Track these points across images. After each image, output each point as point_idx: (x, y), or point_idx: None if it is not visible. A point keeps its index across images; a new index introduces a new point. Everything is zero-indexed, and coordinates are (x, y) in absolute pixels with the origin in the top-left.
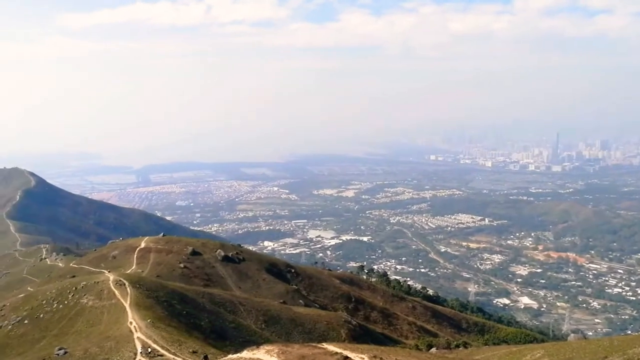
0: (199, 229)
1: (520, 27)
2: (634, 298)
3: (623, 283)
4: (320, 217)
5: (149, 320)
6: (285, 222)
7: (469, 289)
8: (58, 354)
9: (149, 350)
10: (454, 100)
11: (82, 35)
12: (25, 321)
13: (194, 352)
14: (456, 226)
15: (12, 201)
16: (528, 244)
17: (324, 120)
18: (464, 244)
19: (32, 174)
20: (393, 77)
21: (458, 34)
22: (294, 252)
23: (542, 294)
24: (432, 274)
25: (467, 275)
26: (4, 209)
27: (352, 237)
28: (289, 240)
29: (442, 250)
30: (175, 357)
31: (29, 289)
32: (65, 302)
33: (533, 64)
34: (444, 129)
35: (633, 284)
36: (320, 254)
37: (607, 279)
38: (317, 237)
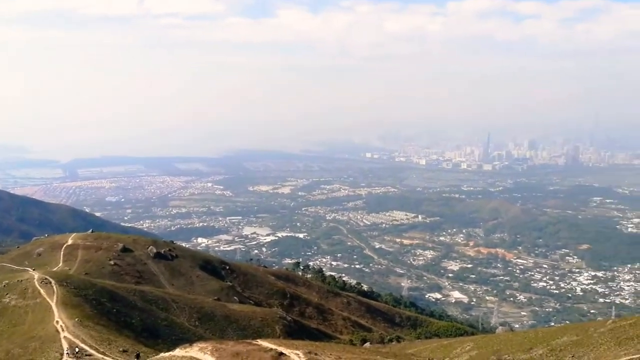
0: (130, 225)
1: (453, 29)
2: (557, 291)
3: (547, 277)
4: (256, 214)
5: (76, 319)
6: (220, 218)
7: (402, 284)
8: None
9: (77, 350)
10: (390, 100)
11: (11, 22)
12: None
13: (124, 350)
14: (390, 223)
15: None
16: (459, 240)
17: (261, 117)
18: (398, 240)
19: None
20: (329, 77)
21: (394, 34)
22: (229, 249)
23: (472, 288)
24: (367, 270)
25: (401, 271)
26: None
27: (288, 234)
28: (224, 237)
29: (377, 246)
30: (104, 357)
31: None
32: None
33: (466, 66)
34: (380, 128)
35: (557, 278)
36: (256, 251)
37: (533, 273)
38: (252, 233)
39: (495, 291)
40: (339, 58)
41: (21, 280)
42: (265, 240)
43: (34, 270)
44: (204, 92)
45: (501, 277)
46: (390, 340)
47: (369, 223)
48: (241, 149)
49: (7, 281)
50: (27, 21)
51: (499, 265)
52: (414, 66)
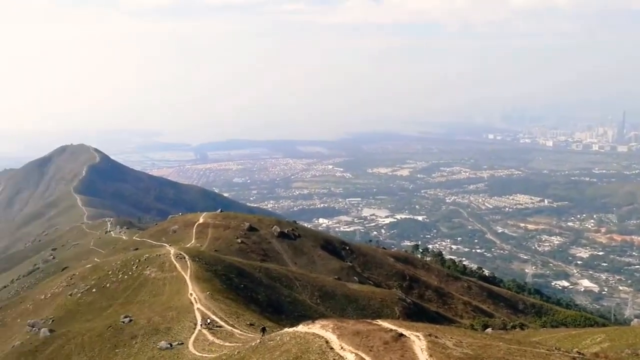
0: (255, 205)
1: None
2: None
3: None
4: (375, 196)
5: (208, 293)
6: (340, 200)
7: (527, 271)
8: (124, 322)
9: (209, 321)
10: (514, 79)
11: (141, 15)
12: (93, 290)
13: (251, 324)
14: (514, 207)
15: (78, 176)
16: (590, 226)
17: (379, 99)
18: (522, 225)
19: (97, 151)
20: (450, 56)
21: (518, 9)
22: (348, 229)
23: (604, 277)
24: (488, 255)
25: (525, 257)
26: (71, 183)
27: (407, 216)
28: (344, 218)
29: (499, 231)
30: (233, 329)
31: (95, 259)
32: (130, 273)
33: (598, 40)
34: (503, 108)
35: None
36: (375, 232)
37: None
38: (371, 215)
39: (630, 281)
40: (461, 37)
41: (159, 255)
42: (384, 222)
43: (170, 245)
44: (323, 76)
45: (637, 267)
46: (514, 327)
47: (490, 206)
48: (359, 131)
49: (147, 255)
50: (154, 14)
51: (634, 253)
52: (538, 42)
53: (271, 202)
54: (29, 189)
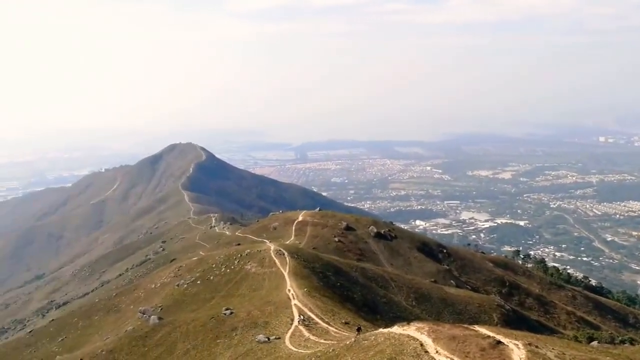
0: (352, 205)
1: None
2: None
3: None
4: (474, 199)
5: (305, 289)
6: (438, 202)
7: (639, 282)
8: (225, 314)
9: (305, 317)
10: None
11: (249, 18)
12: (198, 282)
13: (346, 323)
14: (626, 214)
15: (186, 173)
16: None
17: (480, 99)
18: (635, 233)
19: (203, 149)
20: (560, 54)
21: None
22: (446, 232)
23: None
24: (596, 264)
25: (637, 268)
26: (179, 180)
27: (508, 221)
28: (441, 220)
29: (608, 239)
30: (329, 327)
31: (200, 253)
32: (232, 267)
33: None
34: (617, 109)
35: None
36: (473, 236)
37: None
38: (470, 219)
39: None
40: (572, 34)
41: (260, 251)
42: (483, 226)
43: (270, 242)
44: (427, 76)
45: None
46: (622, 342)
47: (599, 213)
48: (460, 132)
49: (248, 250)
50: (262, 16)
51: None
52: None
53: (368, 202)
54: (142, 184)
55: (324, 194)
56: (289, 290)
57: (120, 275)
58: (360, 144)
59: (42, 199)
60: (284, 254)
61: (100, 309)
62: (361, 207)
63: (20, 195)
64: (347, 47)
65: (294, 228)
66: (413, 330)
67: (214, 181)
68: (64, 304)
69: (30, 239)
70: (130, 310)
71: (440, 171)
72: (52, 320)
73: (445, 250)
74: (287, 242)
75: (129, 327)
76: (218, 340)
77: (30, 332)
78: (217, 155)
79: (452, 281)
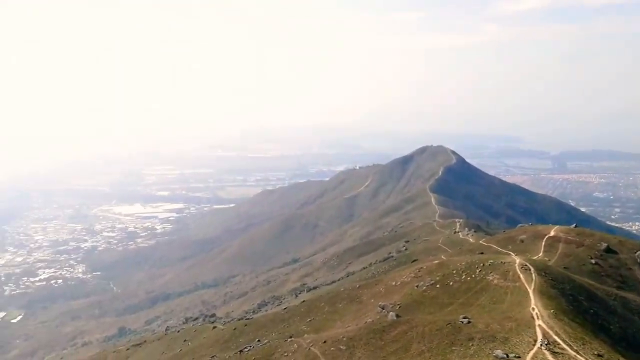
0: (616, 225)
1: None
2: None
3: None
4: None
5: (551, 311)
6: None
7: None
8: (462, 322)
9: (550, 342)
10: None
11: (513, 21)
12: (437, 285)
13: (599, 355)
14: None
15: (435, 176)
16: None
17: None
18: None
19: (454, 153)
20: None
21: None
22: None
23: None
24: None
25: None
26: (427, 182)
27: None
28: None
29: None
30: (577, 355)
31: (442, 257)
32: (473, 275)
33: None
34: None
35: None
36: None
37: None
38: None
39: None
40: None
41: (504, 263)
42: None
43: (515, 255)
44: None
45: None
46: None
47: None
48: None
49: (492, 261)
50: (525, 19)
51: None
52: None
53: (637, 223)
54: (392, 183)
55: (583, 209)
56: (533, 308)
57: (364, 268)
58: (634, 157)
59: (304, 190)
60: (530, 270)
61: (344, 298)
62: (627, 228)
63: (286, 185)
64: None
65: (543, 243)
66: None
67: (462, 186)
68: (314, 288)
69: (291, 225)
70: (370, 303)
71: None
72: (303, 301)
73: None
74: (535, 258)
75: (368, 319)
76: (453, 348)
77: (284, 308)
78: (468, 160)
79: None
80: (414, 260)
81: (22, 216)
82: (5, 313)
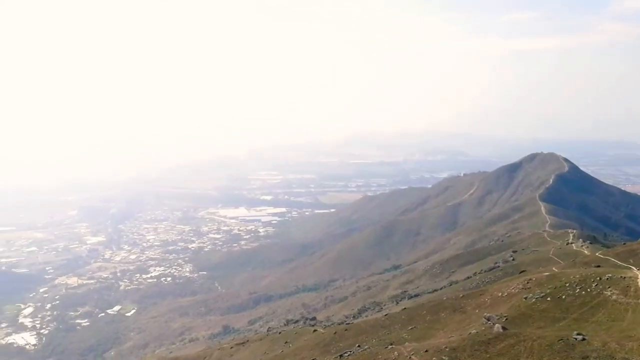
0: None
1: None
2: None
3: None
4: None
5: None
6: None
7: None
8: (576, 339)
9: None
10: None
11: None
12: (548, 298)
13: None
14: None
15: (545, 184)
16: None
17: None
18: None
19: (566, 160)
20: None
21: None
22: None
23: None
24: None
25: None
26: (537, 190)
27: None
28: None
29: None
30: None
31: (553, 269)
32: (588, 289)
33: None
34: None
35: None
36: None
37: None
38: None
39: None
40: None
41: (624, 277)
42: None
43: (638, 269)
44: None
45: None
46: None
47: None
48: None
49: (610, 275)
50: None
51: None
52: None
53: None
54: (498, 191)
55: None
56: None
57: (468, 278)
58: None
59: (405, 196)
60: None
61: (447, 307)
62: None
63: (387, 191)
64: None
65: None
66: None
67: (576, 195)
68: (415, 295)
69: (392, 231)
70: (475, 314)
71: None
72: (404, 308)
73: None
74: None
75: (473, 330)
76: None
77: (385, 315)
78: (582, 168)
79: None
80: (522, 271)
81: (136, 217)
82: (120, 306)
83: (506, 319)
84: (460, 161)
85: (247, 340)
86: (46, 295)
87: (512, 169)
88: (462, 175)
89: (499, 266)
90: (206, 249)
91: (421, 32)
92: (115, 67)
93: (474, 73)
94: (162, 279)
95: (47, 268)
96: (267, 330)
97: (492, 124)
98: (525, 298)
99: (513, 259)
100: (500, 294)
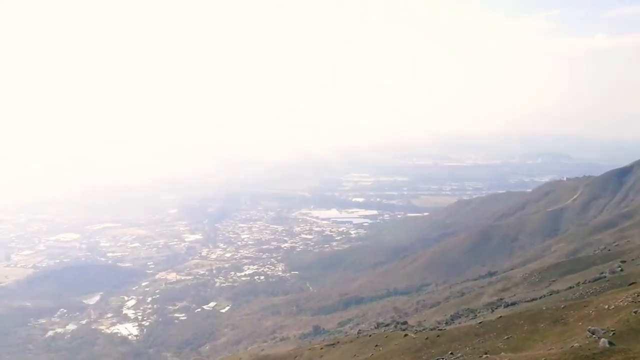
0: None
1: None
2: None
3: None
4: None
5: None
6: None
7: None
8: None
9: None
10: None
11: None
12: None
13: None
14: None
15: None
16: None
17: None
18: None
19: None
20: None
21: None
22: None
23: None
24: None
25: None
26: None
27: None
28: None
29: None
30: None
31: None
32: None
33: None
34: None
35: None
36: None
37: None
38: None
39: None
40: None
41: None
42: None
43: None
44: None
45: None
46: None
47: None
48: None
49: None
50: None
51: None
52: None
53: None
54: (606, 197)
55: None
56: None
57: (570, 287)
58: None
59: (502, 201)
60: None
61: (547, 318)
62: None
63: (483, 195)
64: None
65: None
66: None
67: None
68: (512, 304)
69: (488, 237)
70: (577, 326)
71: None
72: (500, 317)
73: None
74: None
75: (575, 344)
76: None
77: (479, 323)
78: None
79: None
80: (632, 283)
81: (232, 216)
82: (215, 303)
83: (613, 334)
84: (564, 165)
85: (338, 342)
86: (147, 289)
87: (622, 174)
88: (564, 179)
89: (605, 276)
90: (298, 249)
91: (507, 30)
92: (194, 67)
93: (574, 72)
94: (255, 277)
95: (148, 263)
96: (358, 333)
97: (598, 127)
98: (635, 312)
99: (621, 270)
100: (606, 307)
